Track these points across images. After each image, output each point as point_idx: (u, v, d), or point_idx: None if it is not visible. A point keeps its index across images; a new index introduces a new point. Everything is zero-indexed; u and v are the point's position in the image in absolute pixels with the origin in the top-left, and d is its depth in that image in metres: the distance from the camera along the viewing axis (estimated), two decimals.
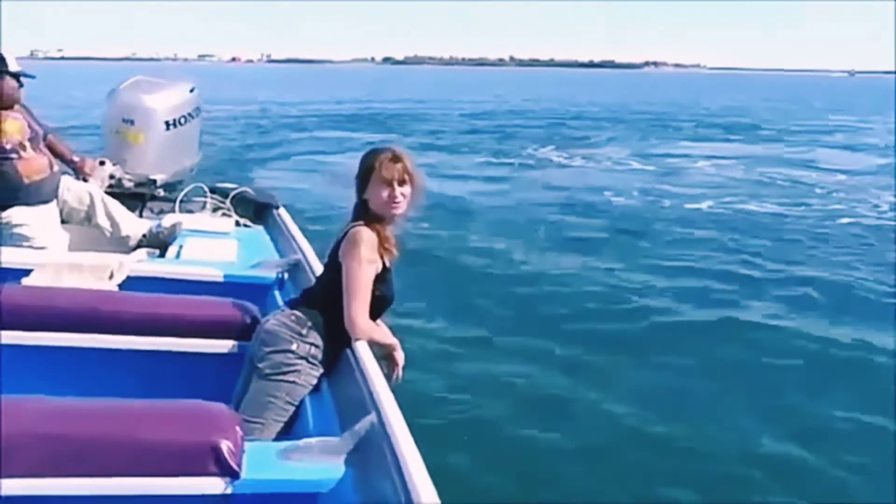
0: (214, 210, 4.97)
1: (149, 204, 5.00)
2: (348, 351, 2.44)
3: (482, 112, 34.95)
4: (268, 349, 2.45)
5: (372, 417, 2.00)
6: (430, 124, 27.61)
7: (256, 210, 4.97)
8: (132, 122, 4.88)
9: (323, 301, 2.55)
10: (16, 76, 4.03)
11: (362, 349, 2.40)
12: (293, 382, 2.43)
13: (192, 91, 5.22)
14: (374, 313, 2.56)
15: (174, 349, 2.72)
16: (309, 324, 2.48)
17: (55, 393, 1.94)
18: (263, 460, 1.92)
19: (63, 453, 1.74)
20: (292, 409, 2.43)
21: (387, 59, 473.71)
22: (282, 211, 4.73)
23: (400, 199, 2.53)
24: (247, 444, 1.90)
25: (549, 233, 9.82)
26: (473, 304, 6.67)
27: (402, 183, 2.53)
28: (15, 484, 1.70)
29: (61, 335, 2.64)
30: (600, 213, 11.30)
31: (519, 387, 5.01)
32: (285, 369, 2.43)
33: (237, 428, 1.88)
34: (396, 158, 2.54)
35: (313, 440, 2.04)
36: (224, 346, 2.75)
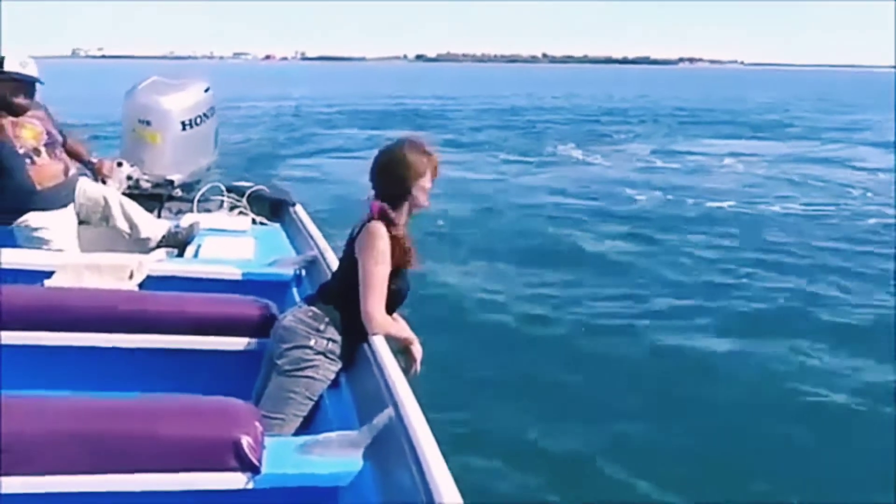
0: (231, 209, 5.00)
1: (166, 204, 5.02)
2: (366, 346, 2.45)
3: (512, 109, 34.86)
4: (286, 345, 2.49)
5: (390, 412, 2.01)
6: (458, 121, 27.63)
7: (272, 208, 4.99)
8: (149, 123, 4.92)
9: (339, 296, 2.57)
10: (20, 80, 3.97)
11: (380, 344, 2.40)
12: (311, 378, 2.45)
13: (206, 91, 5.25)
14: (390, 307, 2.57)
15: (193, 347, 2.77)
16: (326, 319, 2.51)
17: (78, 392, 2.02)
18: (283, 455, 1.94)
19: (86, 450, 1.77)
20: (311, 403, 2.46)
21: (419, 57, 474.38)
22: (298, 208, 4.75)
23: (424, 196, 2.62)
24: (267, 440, 1.93)
25: (571, 230, 9.79)
26: (494, 298, 6.66)
27: (435, 174, 2.64)
28: (40, 481, 1.73)
29: (83, 335, 2.68)
30: (624, 210, 11.23)
31: (540, 382, 4.99)
32: (303, 365, 2.45)
33: (257, 423, 1.91)
34: (426, 151, 2.61)
35: (332, 435, 2.07)
36: (243, 343, 2.79)
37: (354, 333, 2.50)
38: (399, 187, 2.57)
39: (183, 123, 5.01)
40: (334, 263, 3.10)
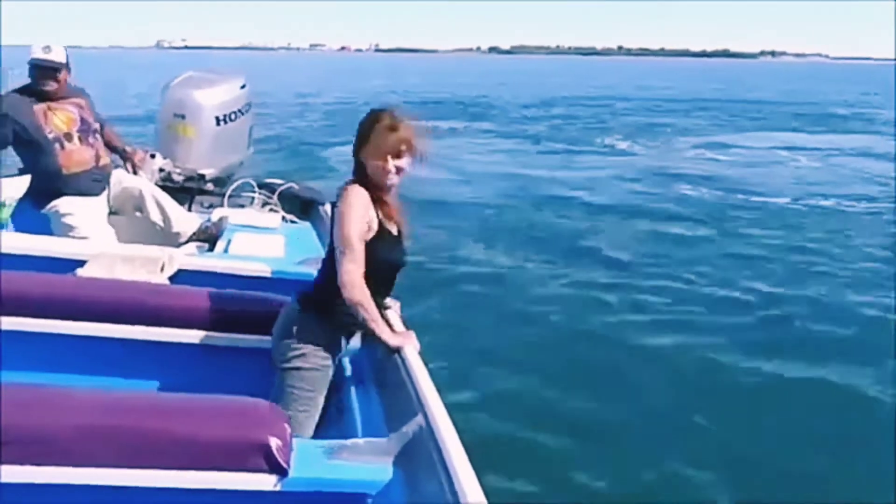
0: (262, 205, 5.02)
1: (197, 198, 5.07)
2: (398, 356, 2.38)
3: (577, 101, 34.45)
4: (275, 340, 2.47)
5: (419, 420, 1.99)
6: (516, 111, 27.60)
7: (303, 206, 5.00)
8: (183, 117, 4.97)
9: (322, 281, 2.50)
10: (44, 66, 4.01)
11: (409, 351, 2.36)
12: (300, 368, 2.40)
13: (242, 87, 5.28)
14: (383, 279, 2.48)
15: (222, 343, 2.78)
16: (309, 306, 2.46)
17: (106, 383, 2.04)
18: (311, 459, 1.93)
19: (115, 444, 1.78)
20: (315, 395, 2.41)
21: (493, 49, 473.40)
22: (327, 207, 4.73)
23: (392, 171, 2.37)
24: (295, 442, 1.92)
25: (620, 222, 9.62)
26: (531, 291, 6.59)
27: (396, 155, 2.36)
28: (68, 472, 1.74)
29: (113, 326, 2.71)
30: (673, 204, 10.96)
31: (581, 388, 4.83)
32: (290, 355, 2.41)
33: (285, 425, 1.91)
34: (393, 127, 2.34)
35: (361, 440, 2.07)
36: (270, 341, 2.79)
37: (338, 316, 2.42)
38: (355, 155, 2.43)
39: (217, 118, 5.05)
40: None
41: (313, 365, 2.41)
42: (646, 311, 6.31)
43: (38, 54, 4.00)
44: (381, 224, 2.42)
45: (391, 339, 2.40)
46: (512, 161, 14.75)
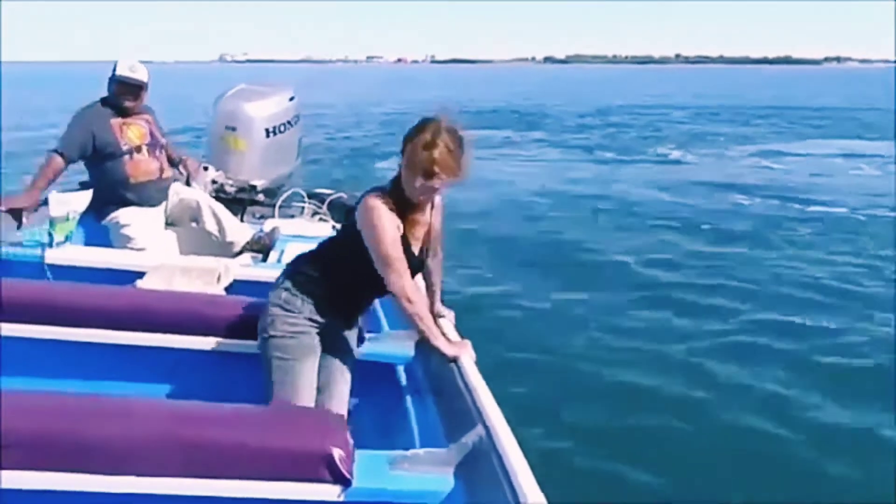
0: (312, 215, 5.14)
1: (249, 209, 5.21)
2: (454, 365, 2.38)
3: (634, 108, 34.04)
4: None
5: (479, 430, 1.98)
6: (568, 120, 27.40)
7: (350, 215, 5.08)
8: (234, 129, 5.14)
9: (311, 252, 2.53)
10: (128, 83, 4.26)
11: (466, 361, 2.36)
12: (272, 336, 2.40)
13: (291, 99, 5.43)
14: (380, 289, 2.44)
15: None
16: (287, 272, 2.50)
17: (168, 393, 2.09)
18: (373, 469, 1.94)
19: (182, 454, 1.82)
20: (293, 364, 2.39)
21: (548, 59, 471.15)
22: None
23: (421, 189, 2.30)
24: (356, 453, 1.93)
25: (676, 232, 9.43)
26: (596, 309, 6.39)
27: (427, 176, 2.25)
28: (136, 483, 1.79)
29: (173, 337, 2.77)
30: (726, 214, 10.67)
31: (644, 396, 4.72)
32: (264, 325, 2.44)
33: (348, 436, 1.92)
34: (429, 145, 2.23)
35: (421, 451, 2.06)
36: None
37: (314, 283, 2.43)
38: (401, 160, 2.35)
39: (267, 130, 5.20)
40: None
41: (282, 332, 2.40)
42: (706, 335, 5.87)
43: (125, 72, 4.24)
44: (403, 239, 2.37)
45: (447, 349, 2.39)
46: (563, 170, 14.70)
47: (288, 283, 2.45)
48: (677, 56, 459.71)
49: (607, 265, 7.91)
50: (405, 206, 2.36)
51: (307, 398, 2.40)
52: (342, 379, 2.56)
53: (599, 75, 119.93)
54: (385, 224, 2.30)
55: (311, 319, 2.44)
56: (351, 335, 2.65)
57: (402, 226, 2.36)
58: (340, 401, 2.51)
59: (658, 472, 3.86)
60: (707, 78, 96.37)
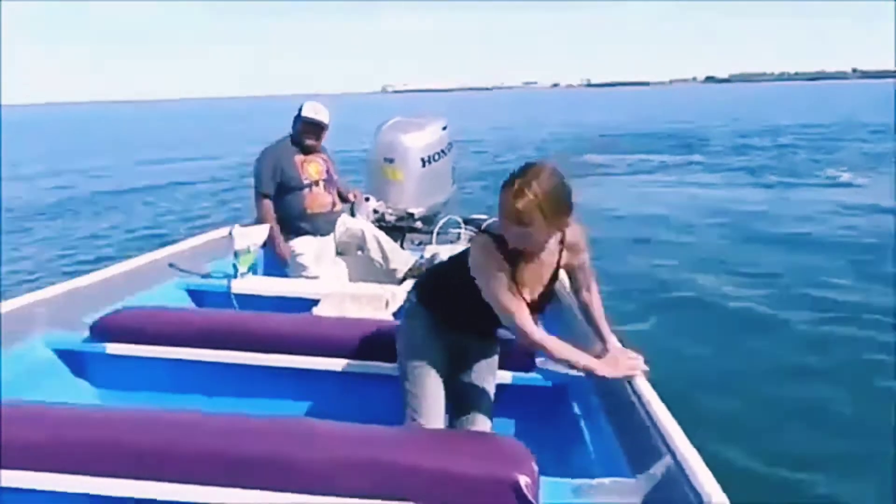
0: (469, 240, 5.30)
1: (408, 236, 5.45)
2: (628, 385, 2.34)
3: (803, 128, 31.97)
4: None
5: (668, 461, 1.92)
6: (735, 141, 26.06)
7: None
8: (392, 161, 5.42)
9: (433, 271, 2.71)
10: (312, 124, 4.66)
11: (642, 384, 2.29)
12: (399, 354, 2.58)
13: (444, 129, 5.65)
14: (490, 317, 2.37)
15: None
16: (415, 293, 2.66)
17: (345, 416, 2.15)
18: (559, 497, 1.94)
19: (369, 476, 1.86)
20: (418, 379, 2.45)
21: (709, 79, 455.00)
22: None
23: (518, 239, 2.22)
24: (542, 480, 1.91)
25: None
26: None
27: (518, 224, 2.16)
28: (322, 501, 1.84)
29: (345, 361, 2.93)
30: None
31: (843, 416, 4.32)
32: (398, 335, 2.64)
33: (533, 464, 1.90)
34: (516, 194, 2.13)
35: (606, 480, 2.03)
36: None
37: (439, 301, 2.53)
38: None
39: (422, 160, 5.45)
40: (564, 295, 3.09)
41: (410, 350, 2.51)
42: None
43: (311, 114, 4.65)
44: (514, 282, 2.30)
45: (604, 371, 2.32)
46: (722, 195, 14.06)
47: (420, 305, 2.58)
48: (854, 70, 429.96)
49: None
50: (514, 250, 2.28)
51: (435, 415, 2.40)
52: (483, 396, 2.58)
53: (764, 93, 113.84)
54: (489, 269, 2.27)
55: (438, 336, 2.50)
56: (489, 352, 2.66)
57: (509, 269, 2.28)
58: (483, 421, 2.52)
59: None
60: (888, 92, 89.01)
